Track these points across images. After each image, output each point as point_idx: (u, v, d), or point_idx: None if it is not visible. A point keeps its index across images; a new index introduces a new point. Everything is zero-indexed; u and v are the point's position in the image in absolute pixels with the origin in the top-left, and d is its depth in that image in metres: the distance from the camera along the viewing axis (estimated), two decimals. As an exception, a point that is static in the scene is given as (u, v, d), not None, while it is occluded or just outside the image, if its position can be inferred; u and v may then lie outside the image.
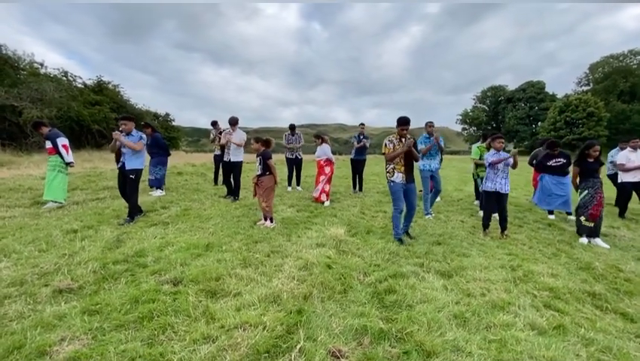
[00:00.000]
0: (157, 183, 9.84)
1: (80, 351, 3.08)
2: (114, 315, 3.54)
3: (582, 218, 6.60)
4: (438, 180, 8.16)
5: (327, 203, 8.95)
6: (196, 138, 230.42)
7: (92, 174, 12.45)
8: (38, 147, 20.96)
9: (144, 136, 6.86)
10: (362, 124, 11.34)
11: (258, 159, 6.76)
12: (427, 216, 7.90)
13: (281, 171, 13.73)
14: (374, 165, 25.69)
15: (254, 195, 6.91)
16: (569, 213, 8.37)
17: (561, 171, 7.78)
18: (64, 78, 28.39)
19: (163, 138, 10.48)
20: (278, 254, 5.28)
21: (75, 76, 29.73)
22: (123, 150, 6.68)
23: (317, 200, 9.15)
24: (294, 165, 11.44)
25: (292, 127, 11.37)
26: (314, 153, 9.90)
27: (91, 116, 26.44)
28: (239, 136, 9.19)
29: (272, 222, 6.70)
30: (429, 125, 8.13)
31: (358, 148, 11.08)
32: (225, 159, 9.44)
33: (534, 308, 4.01)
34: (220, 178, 12.07)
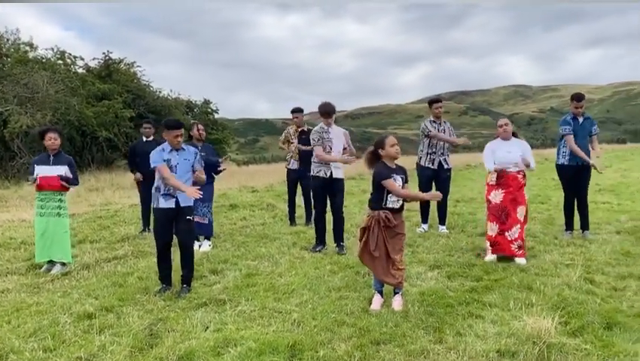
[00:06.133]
0: (208, 230, 6.45)
1: None
2: None
3: None
4: None
5: (522, 260, 5.09)
6: (252, 136, 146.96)
7: (104, 215, 8.82)
8: (27, 170, 14.96)
9: (196, 151, 4.68)
10: (580, 99, 6.16)
11: (400, 178, 3.80)
12: None
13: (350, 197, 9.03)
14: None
15: (371, 250, 3.79)
16: None
17: None
18: (60, 62, 20.50)
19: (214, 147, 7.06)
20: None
21: (75, 57, 21.56)
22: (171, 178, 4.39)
23: (498, 250, 5.19)
24: (436, 181, 6.94)
25: (435, 101, 7.05)
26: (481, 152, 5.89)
27: (97, 118, 18.53)
28: (338, 135, 5.84)
29: (400, 299, 3.87)
30: None
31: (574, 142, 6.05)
32: (318, 173, 5.77)
33: None
34: (301, 213, 7.92)
